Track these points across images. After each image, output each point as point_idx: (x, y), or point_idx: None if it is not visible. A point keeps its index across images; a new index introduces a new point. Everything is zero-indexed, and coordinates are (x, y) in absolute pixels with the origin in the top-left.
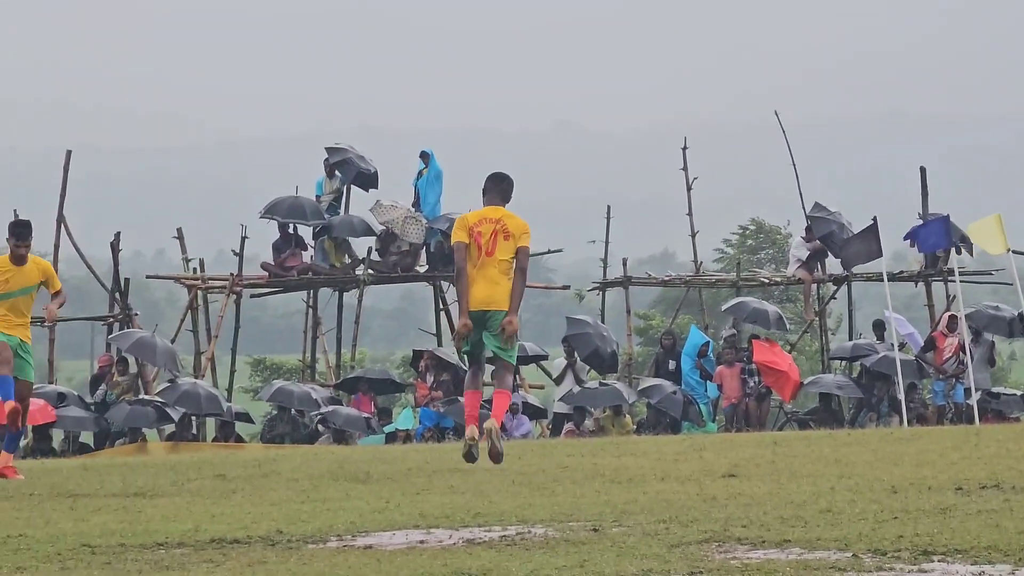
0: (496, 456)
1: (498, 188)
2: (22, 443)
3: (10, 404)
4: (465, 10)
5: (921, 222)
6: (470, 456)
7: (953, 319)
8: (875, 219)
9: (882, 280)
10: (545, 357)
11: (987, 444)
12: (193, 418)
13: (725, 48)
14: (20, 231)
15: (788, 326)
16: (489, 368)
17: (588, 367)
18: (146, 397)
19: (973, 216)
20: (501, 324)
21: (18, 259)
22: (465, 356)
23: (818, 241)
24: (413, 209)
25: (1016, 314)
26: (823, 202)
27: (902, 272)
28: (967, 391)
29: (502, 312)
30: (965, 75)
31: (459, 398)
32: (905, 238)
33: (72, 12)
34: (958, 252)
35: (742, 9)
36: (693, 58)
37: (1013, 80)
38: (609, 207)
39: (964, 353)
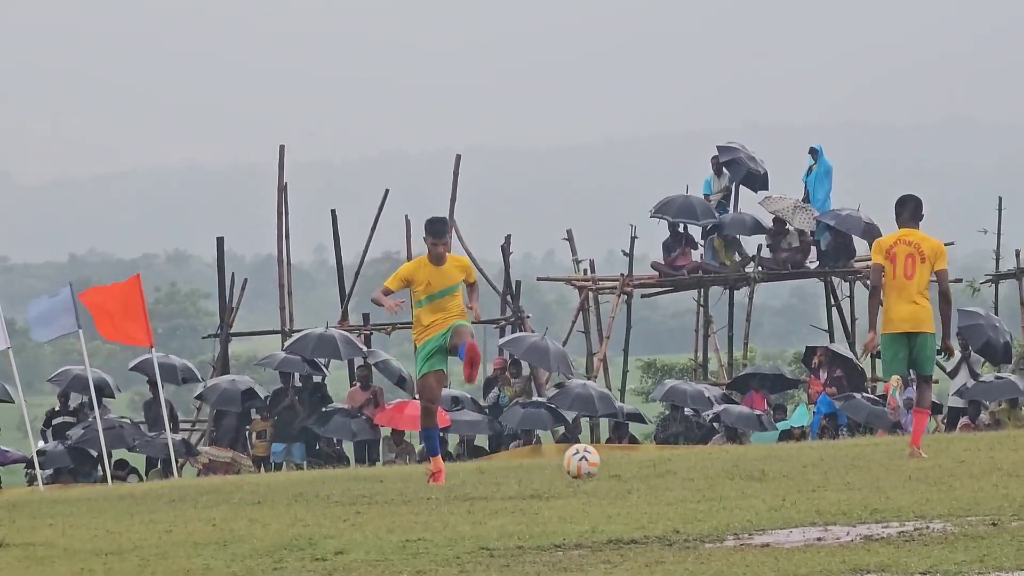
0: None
1: (908, 210)
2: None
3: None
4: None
5: None
6: None
7: None
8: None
9: None
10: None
11: None
12: (584, 419)
13: None
14: (438, 228)
15: None
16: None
17: (982, 360)
18: (539, 399)
19: None
20: (942, 348)
21: (437, 258)
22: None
23: None
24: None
25: None
26: None
27: None
28: None
29: (929, 335)
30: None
31: (855, 394)
32: None
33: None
34: None
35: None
36: None
37: None
38: (1000, 198)
39: None
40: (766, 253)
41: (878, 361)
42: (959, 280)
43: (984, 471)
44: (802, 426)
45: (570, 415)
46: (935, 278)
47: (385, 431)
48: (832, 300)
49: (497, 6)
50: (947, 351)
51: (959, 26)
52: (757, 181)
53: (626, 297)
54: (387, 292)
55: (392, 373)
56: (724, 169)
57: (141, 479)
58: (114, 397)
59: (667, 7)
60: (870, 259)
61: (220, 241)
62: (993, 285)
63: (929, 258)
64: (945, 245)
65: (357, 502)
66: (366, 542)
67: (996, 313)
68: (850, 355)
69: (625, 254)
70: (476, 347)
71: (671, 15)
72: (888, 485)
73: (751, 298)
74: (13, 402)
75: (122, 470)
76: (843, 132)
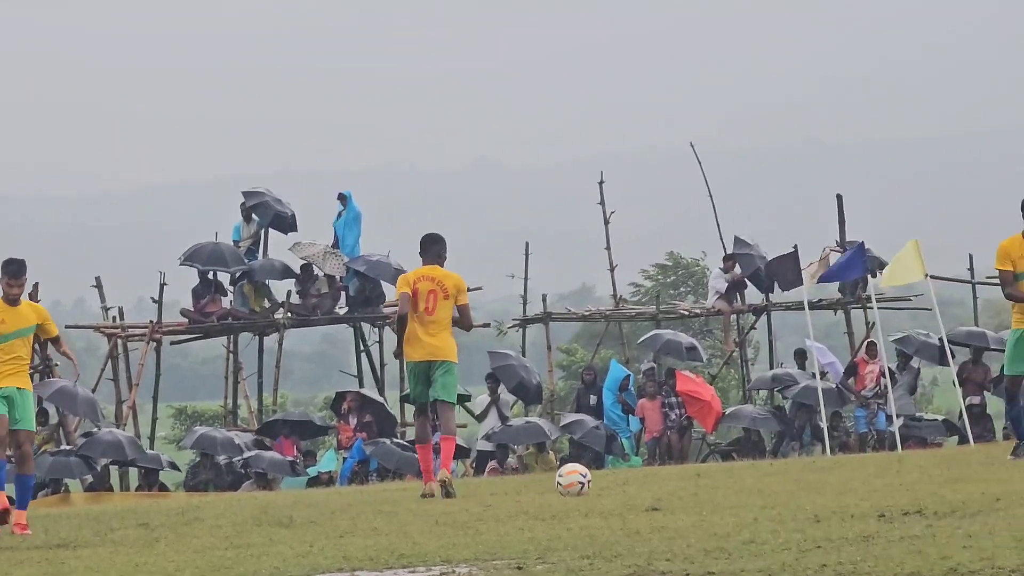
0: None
1: (433, 248)
2: None
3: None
4: (380, 53)
5: (837, 260)
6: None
7: (872, 345)
8: (796, 247)
9: (801, 308)
10: (468, 397)
11: (909, 470)
12: (114, 467)
13: (642, 83)
14: (14, 269)
15: (704, 356)
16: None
17: (512, 403)
18: (67, 447)
19: (890, 242)
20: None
21: (12, 300)
22: (414, 404)
23: (737, 272)
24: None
25: (938, 339)
26: (742, 235)
27: (821, 300)
28: (889, 418)
29: (447, 363)
30: (879, 102)
31: (385, 440)
32: (820, 280)
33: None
34: (873, 276)
35: (659, 45)
36: (610, 93)
37: (926, 105)
38: (527, 243)
39: (885, 378)
40: (296, 299)
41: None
42: (487, 324)
43: (510, 515)
44: (330, 471)
45: (100, 463)
46: (458, 313)
47: None
48: (361, 345)
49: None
50: None
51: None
52: (285, 223)
53: (155, 344)
54: None
55: None
56: (253, 215)
57: None
58: None
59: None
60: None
61: None
62: (521, 329)
63: (452, 294)
64: (474, 289)
65: None
66: None
67: (524, 356)
68: (380, 399)
69: (154, 301)
70: None
71: (205, 64)
72: (415, 530)
73: (281, 344)
74: None
75: None
76: (378, 177)
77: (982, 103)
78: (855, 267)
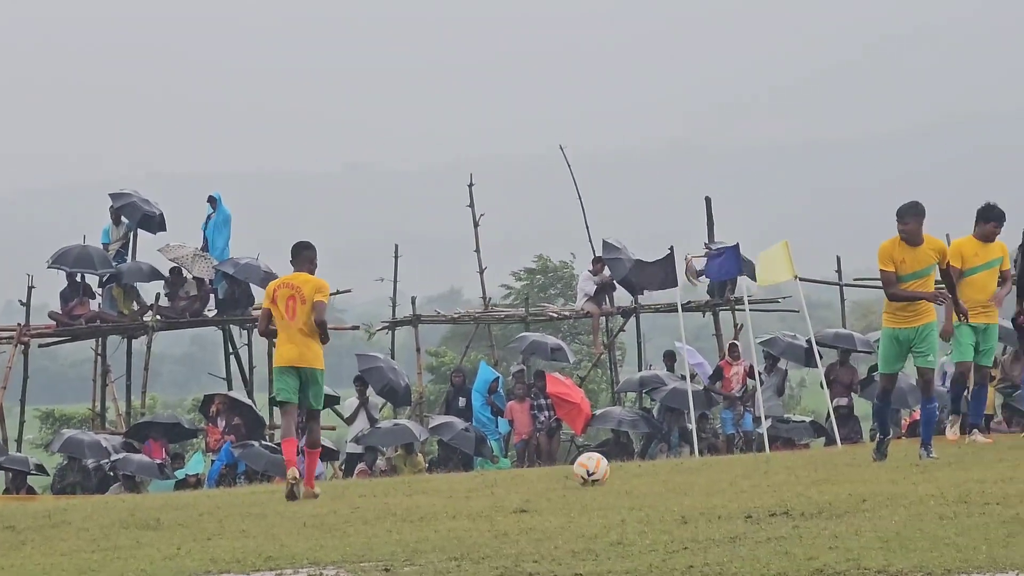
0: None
1: (303, 255)
2: None
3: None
4: (250, 50)
5: (710, 255)
6: (292, 495)
7: (734, 347)
8: (672, 249)
9: (671, 311)
10: (337, 399)
11: (776, 472)
12: None
13: (510, 83)
14: None
15: (571, 357)
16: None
17: (380, 405)
18: None
19: (762, 245)
20: None
21: None
22: (280, 404)
23: (606, 274)
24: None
25: (806, 341)
26: (610, 238)
27: (690, 302)
28: (756, 419)
29: (313, 370)
30: (746, 105)
31: (253, 443)
32: (699, 275)
33: None
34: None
35: (530, 51)
36: (479, 99)
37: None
38: (397, 246)
39: (753, 379)
40: (164, 301)
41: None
42: (356, 327)
43: (378, 517)
44: (198, 474)
45: None
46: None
47: None
48: (230, 348)
49: None
50: None
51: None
52: (154, 223)
53: (23, 347)
54: None
55: None
56: (122, 217)
57: None
58: None
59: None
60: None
61: None
62: (390, 332)
63: (308, 297)
64: (343, 292)
65: None
66: None
67: (393, 358)
68: (249, 402)
69: (22, 304)
70: None
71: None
72: (283, 532)
73: (149, 347)
74: None
75: None
76: (243, 182)
77: (849, 112)
78: (730, 267)
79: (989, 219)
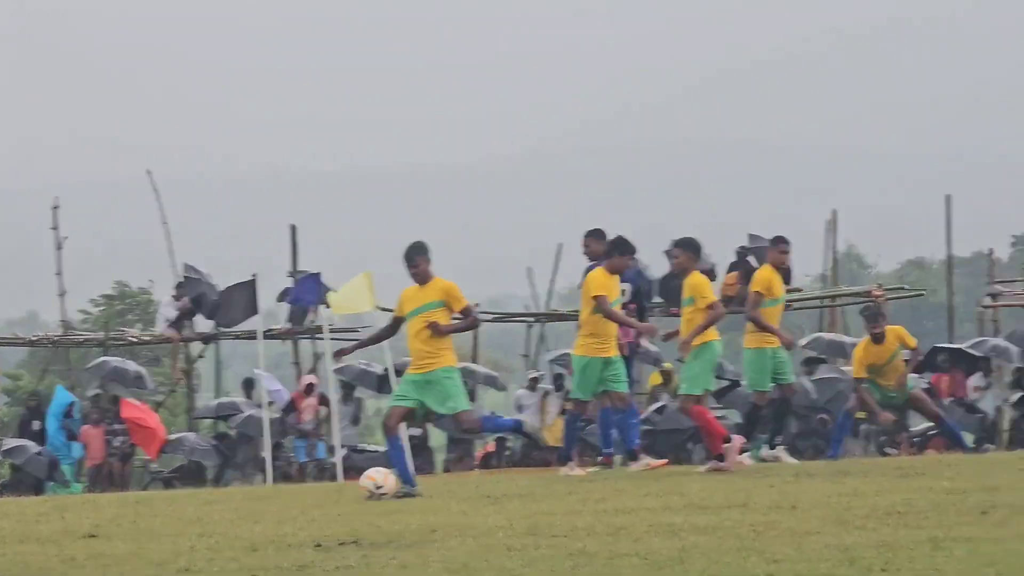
0: None
1: None
2: None
3: None
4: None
5: (296, 281)
6: None
7: (310, 386)
8: (255, 276)
9: (253, 338)
10: None
11: (348, 501)
12: None
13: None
14: None
15: (152, 385)
16: None
17: None
18: None
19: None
20: None
21: None
22: None
23: (188, 301)
24: None
25: (384, 369)
26: (194, 263)
27: (271, 330)
28: (330, 449)
29: None
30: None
31: None
32: (280, 299)
33: None
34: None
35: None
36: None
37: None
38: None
39: (327, 408)
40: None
41: None
42: None
43: None
44: None
45: None
46: None
47: None
48: None
49: None
50: None
51: None
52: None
53: None
54: None
55: None
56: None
57: None
58: None
59: None
60: None
61: None
62: None
63: None
64: None
65: None
66: None
67: None
68: None
69: None
70: None
71: None
72: None
73: None
74: None
75: None
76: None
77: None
78: (310, 294)
79: None
